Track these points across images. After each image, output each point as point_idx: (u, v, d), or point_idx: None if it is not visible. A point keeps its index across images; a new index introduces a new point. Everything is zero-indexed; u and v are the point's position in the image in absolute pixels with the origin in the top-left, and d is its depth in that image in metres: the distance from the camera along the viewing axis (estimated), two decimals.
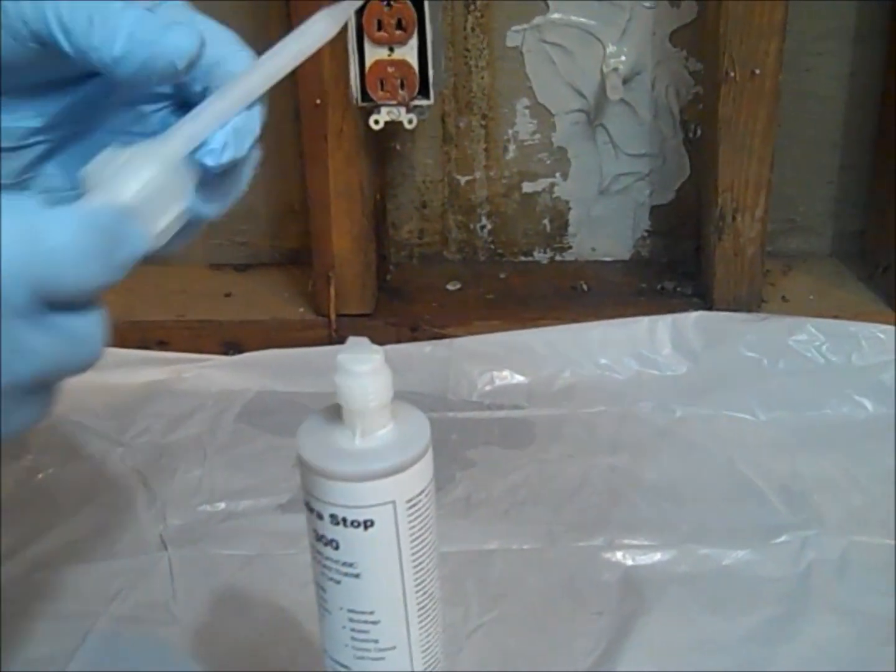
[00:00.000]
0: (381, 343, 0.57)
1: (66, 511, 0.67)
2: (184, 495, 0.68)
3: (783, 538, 0.63)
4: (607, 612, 0.59)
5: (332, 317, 0.82)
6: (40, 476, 0.70)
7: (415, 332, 0.83)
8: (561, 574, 0.62)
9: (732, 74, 0.74)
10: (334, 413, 0.41)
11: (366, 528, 0.40)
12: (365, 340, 0.41)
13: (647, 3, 0.81)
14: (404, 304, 0.86)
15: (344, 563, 0.41)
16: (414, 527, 0.41)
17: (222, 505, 0.68)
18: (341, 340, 0.80)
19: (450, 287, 0.89)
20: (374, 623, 0.43)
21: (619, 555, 0.63)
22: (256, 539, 0.65)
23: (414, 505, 0.41)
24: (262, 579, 0.62)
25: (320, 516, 0.41)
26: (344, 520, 0.40)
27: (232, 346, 0.83)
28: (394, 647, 0.43)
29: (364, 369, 0.40)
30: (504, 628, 0.59)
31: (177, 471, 0.71)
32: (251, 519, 0.67)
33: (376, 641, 0.43)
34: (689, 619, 0.59)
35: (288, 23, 0.74)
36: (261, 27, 0.79)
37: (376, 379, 0.40)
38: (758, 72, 0.74)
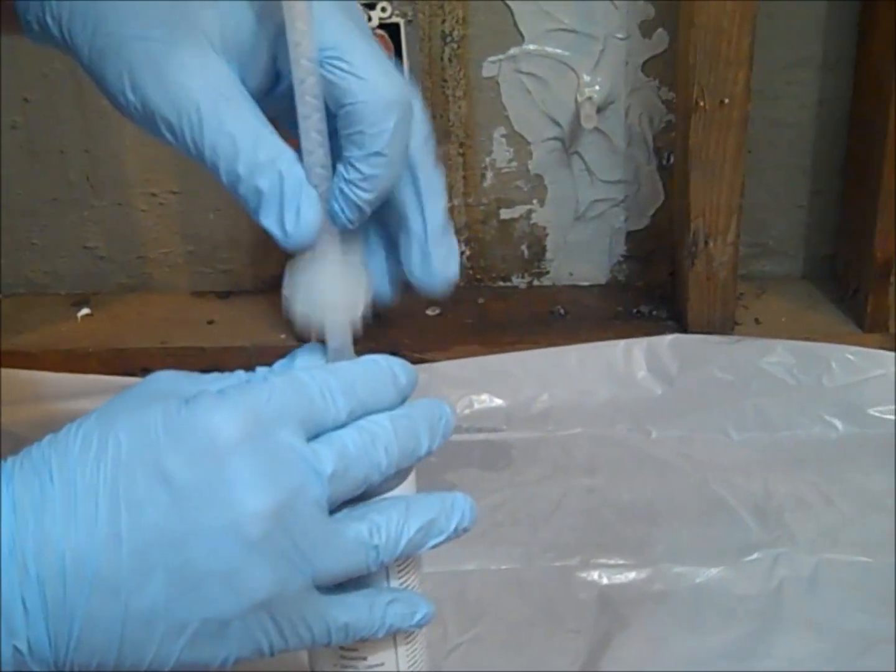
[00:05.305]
0: None
1: None
2: None
3: (755, 556, 0.65)
4: (584, 630, 0.60)
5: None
6: None
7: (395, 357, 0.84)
8: (538, 594, 0.63)
9: (702, 104, 0.76)
10: None
11: None
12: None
13: (619, 35, 0.83)
14: (384, 328, 0.87)
15: None
16: None
17: None
18: None
19: (429, 312, 0.90)
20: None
21: (595, 574, 0.64)
22: None
23: None
24: None
25: None
26: None
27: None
28: (381, 664, 0.45)
29: None
30: (482, 648, 0.60)
31: None
32: None
33: (364, 658, 0.44)
34: (664, 636, 0.60)
35: None
36: None
37: None
38: (726, 101, 0.76)
